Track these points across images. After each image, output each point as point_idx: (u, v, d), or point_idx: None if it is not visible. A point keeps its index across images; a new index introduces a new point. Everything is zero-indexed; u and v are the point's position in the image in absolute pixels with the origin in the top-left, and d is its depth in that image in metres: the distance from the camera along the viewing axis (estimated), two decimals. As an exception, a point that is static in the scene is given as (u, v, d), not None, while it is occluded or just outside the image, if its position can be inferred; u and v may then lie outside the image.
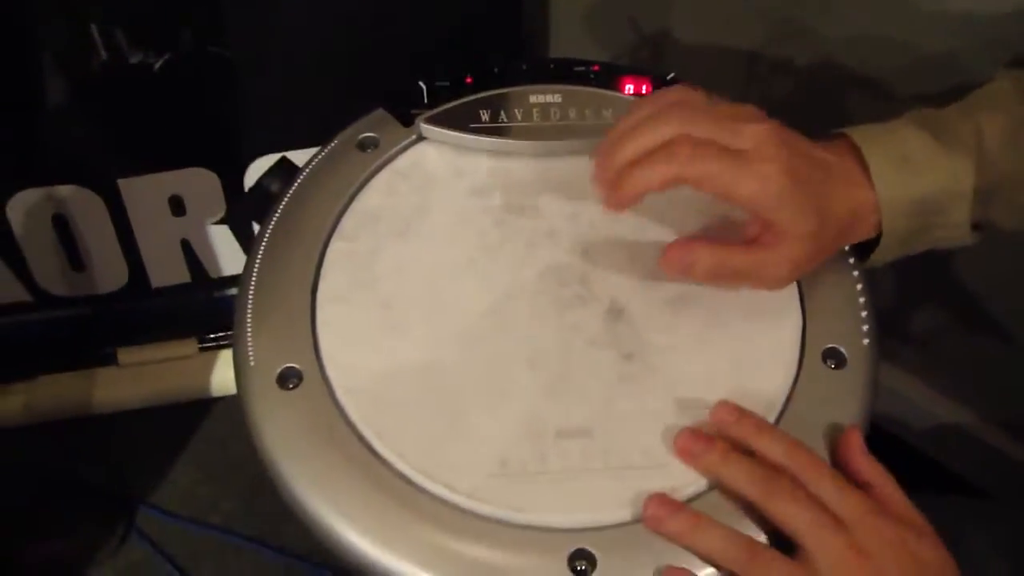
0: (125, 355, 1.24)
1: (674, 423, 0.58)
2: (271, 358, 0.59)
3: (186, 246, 1.20)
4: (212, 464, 1.23)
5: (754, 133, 0.58)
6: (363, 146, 0.69)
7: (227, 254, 1.22)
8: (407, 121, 0.70)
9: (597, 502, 0.55)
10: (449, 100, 0.70)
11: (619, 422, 0.58)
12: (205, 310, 1.26)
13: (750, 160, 0.57)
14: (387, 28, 1.04)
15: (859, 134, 0.62)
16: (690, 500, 0.55)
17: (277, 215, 0.66)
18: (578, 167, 0.68)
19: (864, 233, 0.62)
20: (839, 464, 0.56)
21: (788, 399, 0.59)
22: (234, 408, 1.13)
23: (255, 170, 1.16)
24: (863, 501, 0.53)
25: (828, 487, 0.53)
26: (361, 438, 0.57)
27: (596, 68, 0.72)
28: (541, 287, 0.63)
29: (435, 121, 0.69)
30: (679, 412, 0.58)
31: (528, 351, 0.60)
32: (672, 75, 0.72)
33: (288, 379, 0.59)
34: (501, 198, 0.67)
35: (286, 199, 0.66)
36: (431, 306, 0.62)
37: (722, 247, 0.60)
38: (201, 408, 1.27)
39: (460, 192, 0.68)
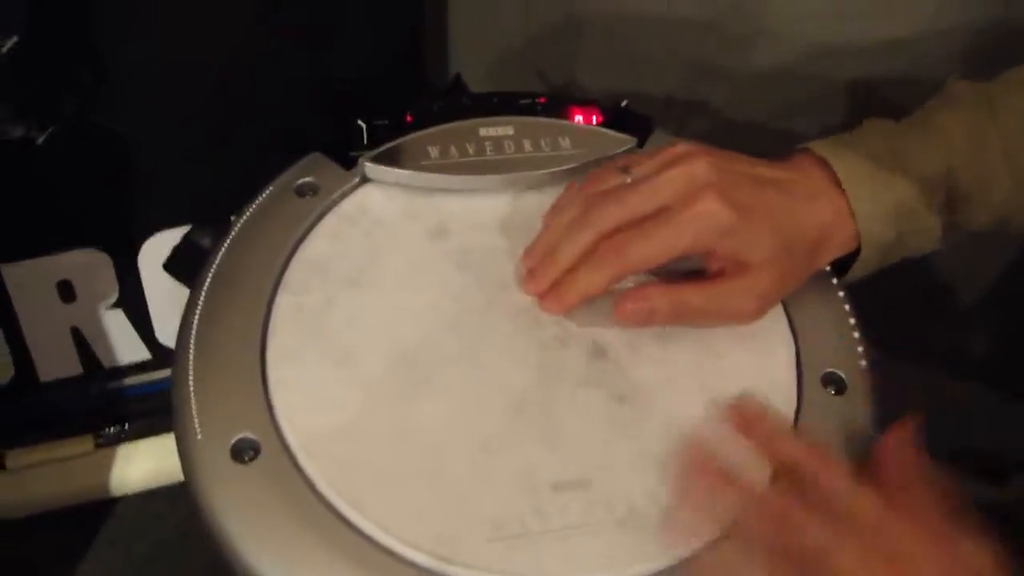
0: (13, 458, 1.13)
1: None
2: (221, 429, 0.52)
3: (77, 334, 1.10)
4: (117, 570, 1.13)
5: (682, 177, 0.56)
6: (301, 192, 0.63)
7: (122, 341, 1.13)
8: (347, 163, 0.64)
9: (609, 559, 0.49)
10: (392, 138, 0.64)
11: (619, 469, 0.52)
12: (100, 404, 1.16)
13: (682, 210, 0.55)
14: (286, 93, 0.98)
15: (822, 147, 0.60)
16: (705, 547, 0.49)
17: (212, 271, 0.59)
18: (540, 202, 0.63)
19: (840, 247, 0.59)
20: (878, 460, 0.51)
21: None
22: (137, 507, 1.04)
23: (150, 249, 1.08)
24: (876, 504, 0.48)
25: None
26: (335, 511, 0.50)
27: (543, 100, 0.68)
28: (516, 330, 0.58)
29: (380, 160, 0.63)
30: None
31: (510, 399, 0.55)
32: (625, 102, 0.68)
33: (243, 451, 0.51)
34: (460, 239, 0.62)
35: (221, 253, 0.59)
36: (397, 358, 0.56)
37: (679, 287, 0.57)
38: (102, 510, 1.16)
39: (415, 235, 0.62)
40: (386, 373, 0.55)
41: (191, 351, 0.55)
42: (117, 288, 1.08)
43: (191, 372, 0.54)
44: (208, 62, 0.93)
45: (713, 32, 0.89)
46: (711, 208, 0.54)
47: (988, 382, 0.91)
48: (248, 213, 0.62)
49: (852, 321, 0.60)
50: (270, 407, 0.53)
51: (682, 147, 0.58)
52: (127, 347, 1.13)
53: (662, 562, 0.49)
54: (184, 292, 0.90)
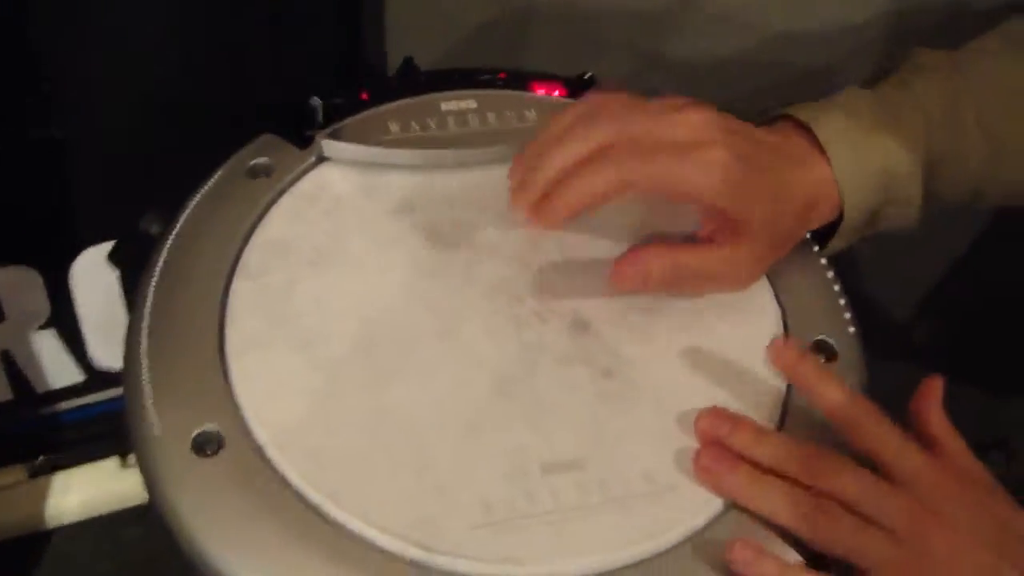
0: (-61, 492, 1.07)
1: (672, 440, 0.50)
2: (181, 423, 0.48)
3: (6, 357, 1.04)
4: (53, 607, 1.07)
5: (694, 122, 0.52)
6: (254, 173, 0.59)
7: (55, 364, 1.07)
8: (303, 143, 0.60)
9: (606, 541, 0.46)
10: (348, 116, 0.60)
11: (611, 447, 0.49)
12: (33, 430, 1.09)
13: (694, 151, 0.51)
14: (231, 97, 0.94)
15: (804, 112, 0.58)
16: (707, 525, 0.47)
17: (163, 259, 0.54)
18: (504, 175, 0.60)
19: (824, 215, 0.57)
20: (913, 413, 0.49)
21: (786, 401, 0.52)
22: (78, 537, 0.98)
23: (82, 265, 1.02)
24: (928, 462, 0.46)
25: (849, 481, 0.46)
26: (308, 503, 0.46)
27: (503, 76, 0.65)
28: (492, 307, 0.54)
29: (338, 137, 0.60)
30: (675, 427, 0.51)
31: (492, 379, 0.51)
32: (589, 74, 0.65)
33: (205, 445, 0.47)
34: (427, 215, 0.58)
35: (171, 240, 0.55)
36: (367, 340, 0.52)
37: (676, 250, 0.54)
38: (38, 542, 1.10)
39: (379, 213, 0.58)
40: (357, 356, 0.51)
41: (143, 342, 0.51)
42: (48, 307, 1.02)
43: (145, 364, 0.50)
44: (144, 66, 0.89)
45: (667, 20, 0.87)
46: (724, 158, 0.51)
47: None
48: (198, 197, 0.57)
49: (837, 288, 0.58)
50: (232, 397, 0.49)
51: (682, 98, 0.54)
52: (60, 370, 1.07)
53: (661, 542, 0.46)
54: (122, 311, 0.86)
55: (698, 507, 0.47)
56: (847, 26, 0.83)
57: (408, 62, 0.69)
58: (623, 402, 0.51)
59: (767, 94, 0.89)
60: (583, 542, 0.46)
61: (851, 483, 0.46)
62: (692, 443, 0.50)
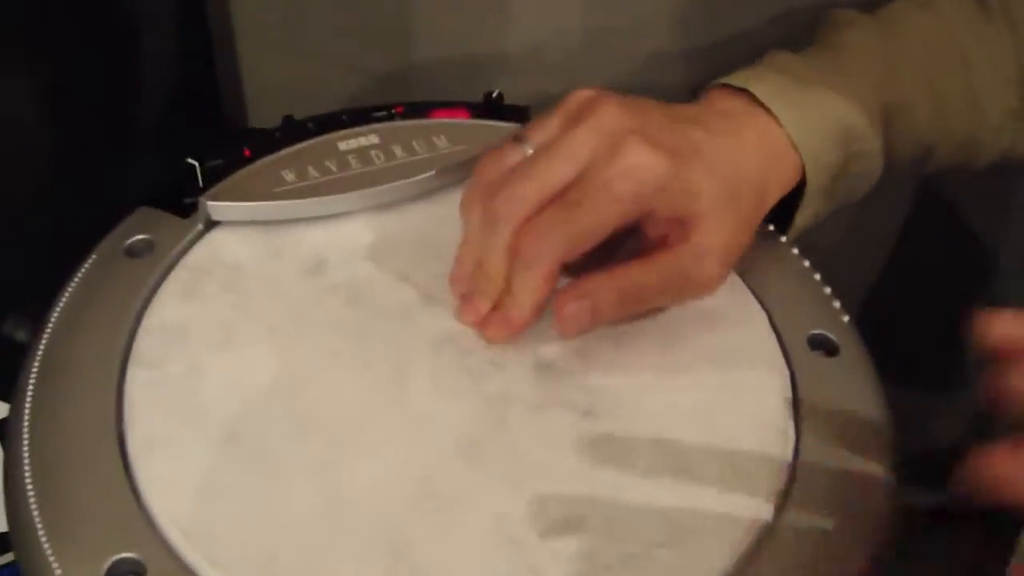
0: None
1: (681, 476, 0.42)
2: (88, 556, 0.38)
3: None
4: None
5: (583, 137, 0.46)
6: (133, 252, 0.50)
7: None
8: (184, 211, 0.51)
9: None
10: (233, 172, 0.52)
11: (613, 497, 0.41)
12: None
13: (600, 171, 0.45)
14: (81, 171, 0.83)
15: (736, 78, 0.52)
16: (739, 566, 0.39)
17: (37, 363, 0.45)
18: (430, 213, 0.53)
19: (782, 180, 0.51)
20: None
21: (797, 406, 0.46)
22: None
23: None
24: None
25: None
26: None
27: (399, 109, 0.57)
28: (439, 363, 0.46)
29: (225, 196, 0.51)
30: (680, 461, 0.43)
31: (456, 443, 0.43)
32: (496, 92, 0.58)
33: (123, 580, 0.38)
34: (344, 271, 0.50)
35: (44, 340, 0.46)
36: (301, 422, 0.43)
37: (622, 271, 0.46)
38: None
39: (287, 276, 0.50)
40: (291, 443, 0.43)
41: (25, 465, 0.41)
42: None
43: (30, 492, 0.40)
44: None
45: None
46: (640, 159, 0.45)
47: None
48: (70, 290, 0.48)
49: (818, 277, 0.52)
50: (147, 513, 0.40)
51: (581, 93, 0.48)
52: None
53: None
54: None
55: (727, 548, 0.40)
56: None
57: (288, 118, 0.61)
58: (614, 443, 0.43)
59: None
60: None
61: None
62: (704, 476, 0.42)
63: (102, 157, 0.70)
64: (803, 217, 0.53)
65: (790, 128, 0.50)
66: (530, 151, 0.47)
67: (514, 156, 0.47)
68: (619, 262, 0.47)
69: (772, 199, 0.51)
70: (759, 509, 0.41)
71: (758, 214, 0.50)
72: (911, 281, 0.94)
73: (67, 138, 0.71)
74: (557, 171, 0.45)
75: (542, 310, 0.46)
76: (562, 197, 0.45)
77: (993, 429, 0.36)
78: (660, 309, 0.49)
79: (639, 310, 0.48)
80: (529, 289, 0.45)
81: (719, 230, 0.47)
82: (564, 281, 0.46)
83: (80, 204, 0.64)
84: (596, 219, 0.45)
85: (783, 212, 0.53)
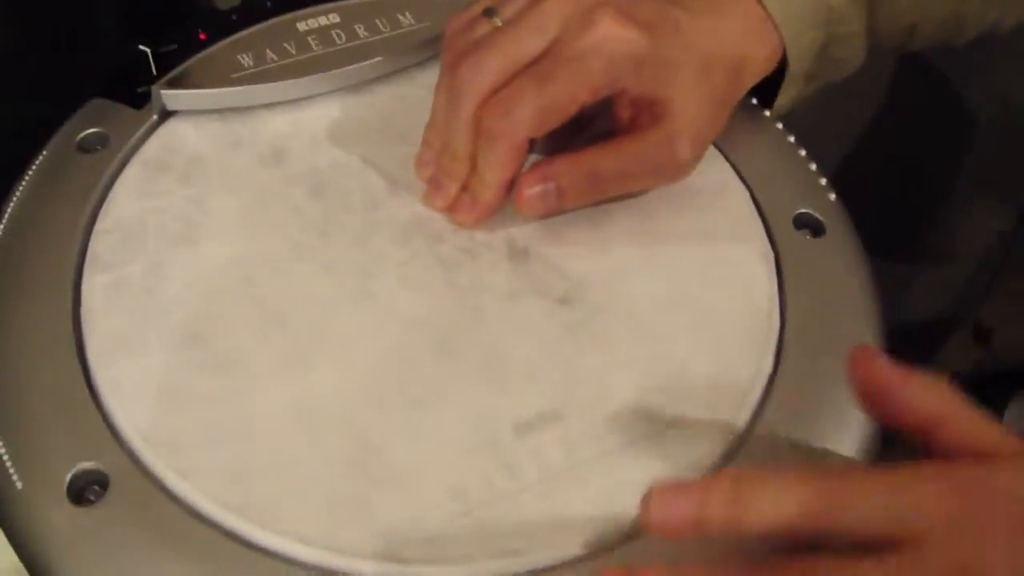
0: None
1: (660, 365, 0.41)
2: (49, 466, 0.37)
3: None
4: None
5: (554, 7, 0.43)
6: (86, 147, 0.47)
7: None
8: (137, 101, 0.49)
9: (622, 500, 0.36)
10: (188, 59, 0.49)
11: (591, 388, 0.40)
12: None
13: (571, 43, 0.42)
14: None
15: None
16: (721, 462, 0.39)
17: (-13, 269, 0.43)
18: (397, 94, 0.50)
19: (760, 63, 0.48)
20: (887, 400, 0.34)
21: (782, 287, 0.44)
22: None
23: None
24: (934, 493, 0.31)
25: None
26: (235, 536, 0.36)
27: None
28: (408, 253, 0.45)
29: (179, 84, 0.49)
30: (660, 349, 0.42)
31: (428, 336, 0.42)
32: None
33: (86, 489, 0.37)
34: (306, 158, 0.48)
35: (-8, 244, 0.44)
36: (265, 321, 0.42)
37: (589, 154, 0.44)
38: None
39: (247, 166, 0.48)
40: (255, 344, 0.41)
41: (-21, 375, 0.39)
42: None
43: (-13, 401, 0.39)
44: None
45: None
46: (613, 31, 0.42)
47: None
48: (21, 189, 0.46)
49: (803, 153, 0.49)
50: (107, 420, 0.38)
51: None
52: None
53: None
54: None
55: (709, 442, 0.39)
56: None
57: (246, -1, 0.58)
58: (592, 331, 0.42)
59: None
60: (584, 512, 0.37)
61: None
62: (686, 363, 0.41)
63: (51, 43, 0.67)
64: (784, 98, 0.50)
65: (772, 7, 0.47)
66: (499, 23, 0.45)
67: (482, 29, 0.45)
68: (588, 145, 0.44)
69: (751, 80, 0.48)
70: (744, 397, 0.40)
71: (735, 95, 0.48)
72: (885, 150, 0.92)
73: (14, 23, 0.68)
74: (525, 42, 0.43)
75: (510, 189, 0.44)
76: (531, 70, 0.43)
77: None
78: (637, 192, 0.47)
79: (609, 195, 0.46)
80: (494, 165, 0.43)
81: (693, 112, 0.44)
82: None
83: (30, 96, 0.61)
84: (565, 92, 0.42)
85: (763, 94, 0.51)
